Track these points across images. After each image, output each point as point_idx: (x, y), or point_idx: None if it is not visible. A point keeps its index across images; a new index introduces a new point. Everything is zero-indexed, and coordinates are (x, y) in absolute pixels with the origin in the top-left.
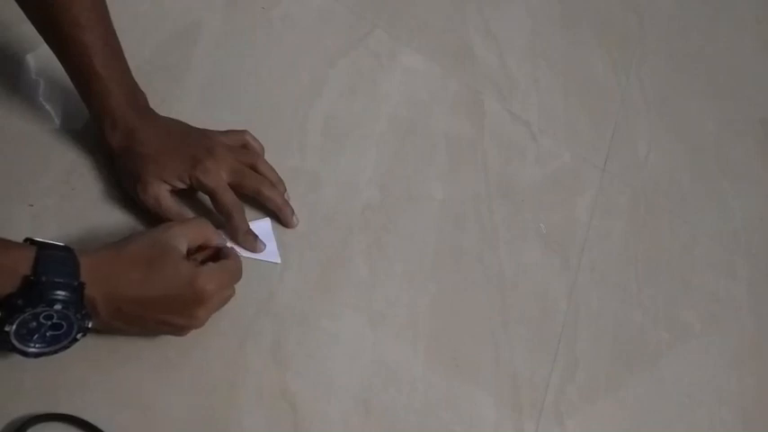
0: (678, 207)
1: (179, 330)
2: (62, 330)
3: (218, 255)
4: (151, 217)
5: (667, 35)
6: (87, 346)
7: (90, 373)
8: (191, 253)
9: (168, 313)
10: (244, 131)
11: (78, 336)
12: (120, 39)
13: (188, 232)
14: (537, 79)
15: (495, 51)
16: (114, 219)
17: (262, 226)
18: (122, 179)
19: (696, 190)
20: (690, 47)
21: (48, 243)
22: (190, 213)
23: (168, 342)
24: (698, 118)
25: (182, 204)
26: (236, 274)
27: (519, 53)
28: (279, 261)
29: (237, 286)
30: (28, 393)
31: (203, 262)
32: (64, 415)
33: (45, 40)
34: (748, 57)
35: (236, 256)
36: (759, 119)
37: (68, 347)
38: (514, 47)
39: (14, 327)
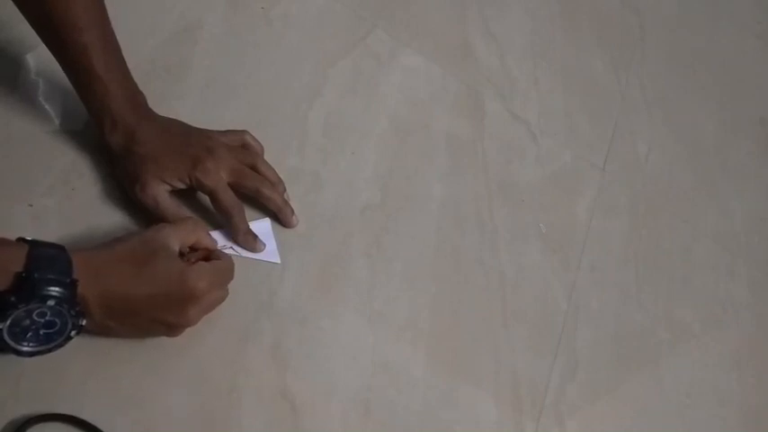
0: (678, 207)
1: (171, 329)
2: (55, 328)
3: (210, 256)
4: (150, 217)
5: (667, 35)
6: (86, 346)
7: (89, 373)
8: (183, 254)
9: (160, 311)
10: (244, 131)
11: (72, 333)
12: (120, 39)
13: (180, 232)
14: (537, 79)
15: (495, 51)
16: (114, 219)
17: (262, 226)
18: (122, 179)
19: (696, 190)
20: (690, 47)
21: (39, 242)
22: (188, 214)
23: (168, 342)
24: (698, 118)
25: (180, 205)
26: (228, 275)
27: (519, 53)
28: (279, 261)
29: (238, 286)
30: (28, 393)
31: (195, 262)
32: (64, 415)
33: (43, 41)
34: (748, 57)
35: (229, 257)
36: (759, 119)
37: (62, 346)
38: (514, 47)
39: (7, 324)
